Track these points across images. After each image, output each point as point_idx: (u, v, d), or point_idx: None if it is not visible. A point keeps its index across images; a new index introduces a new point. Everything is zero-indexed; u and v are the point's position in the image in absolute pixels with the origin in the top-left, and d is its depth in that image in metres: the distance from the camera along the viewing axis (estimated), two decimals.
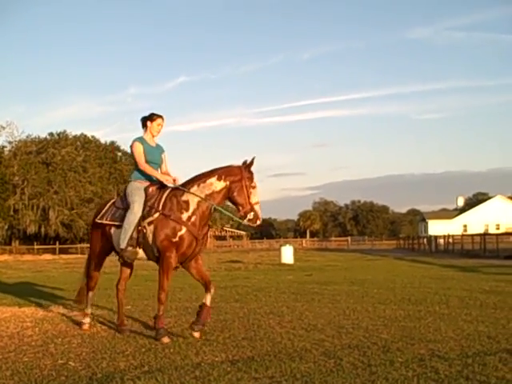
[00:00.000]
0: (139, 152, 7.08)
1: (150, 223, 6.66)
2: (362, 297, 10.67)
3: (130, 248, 6.72)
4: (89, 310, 7.59)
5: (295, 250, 30.43)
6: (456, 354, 5.42)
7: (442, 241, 48.48)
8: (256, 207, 6.72)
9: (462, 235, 46.70)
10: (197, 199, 6.72)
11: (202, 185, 6.79)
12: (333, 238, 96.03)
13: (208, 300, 6.64)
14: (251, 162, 6.87)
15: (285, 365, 5.11)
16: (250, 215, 6.70)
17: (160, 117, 7.24)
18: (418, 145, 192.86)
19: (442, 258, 32.94)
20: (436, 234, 56.55)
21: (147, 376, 4.83)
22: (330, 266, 24.41)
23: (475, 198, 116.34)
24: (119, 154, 78.37)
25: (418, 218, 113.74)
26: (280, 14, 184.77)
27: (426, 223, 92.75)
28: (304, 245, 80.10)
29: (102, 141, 76.27)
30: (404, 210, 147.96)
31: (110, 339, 6.63)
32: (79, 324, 7.52)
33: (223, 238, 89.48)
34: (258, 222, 6.79)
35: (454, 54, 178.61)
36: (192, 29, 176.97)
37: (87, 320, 7.48)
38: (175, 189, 6.91)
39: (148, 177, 7.10)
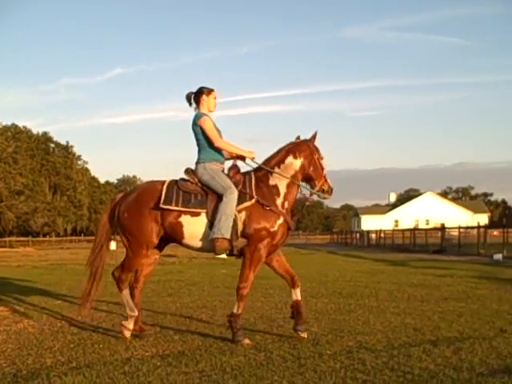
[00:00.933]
0: (212, 127, 6.28)
1: (240, 211, 6.05)
2: None
3: (241, 239, 6.07)
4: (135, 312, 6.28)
5: None
6: (383, 346, 5.56)
7: (374, 235, 49.70)
8: (327, 178, 6.46)
9: (393, 230, 48.04)
10: (285, 181, 6.26)
11: (282, 165, 6.31)
12: None
13: (299, 295, 6.31)
14: (315, 135, 6.54)
15: (215, 358, 5.11)
16: (325, 187, 6.41)
17: (213, 90, 6.51)
18: (352, 141, 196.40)
19: (373, 252, 33.72)
20: (368, 228, 57.85)
21: (74, 372, 4.74)
22: None
23: (406, 194, 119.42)
24: (52, 145, 76.56)
25: (351, 213, 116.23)
26: (217, 9, 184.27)
27: (359, 218, 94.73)
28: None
29: (34, 131, 74.38)
30: (338, 206, 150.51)
31: (37, 335, 6.46)
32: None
33: None
34: (332, 193, 6.51)
35: (386, 53, 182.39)
36: (129, 21, 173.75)
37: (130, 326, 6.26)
38: (257, 171, 6.39)
39: (218, 158, 6.42)
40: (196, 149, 6.44)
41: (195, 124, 6.33)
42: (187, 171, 6.31)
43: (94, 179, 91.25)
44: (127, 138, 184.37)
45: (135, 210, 6.21)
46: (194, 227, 6.09)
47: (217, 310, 8.25)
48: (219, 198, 6.05)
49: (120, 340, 6.09)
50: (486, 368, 4.64)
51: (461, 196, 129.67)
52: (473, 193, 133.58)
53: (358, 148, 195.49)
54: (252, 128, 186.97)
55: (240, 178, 6.23)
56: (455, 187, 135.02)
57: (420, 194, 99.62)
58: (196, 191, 6.16)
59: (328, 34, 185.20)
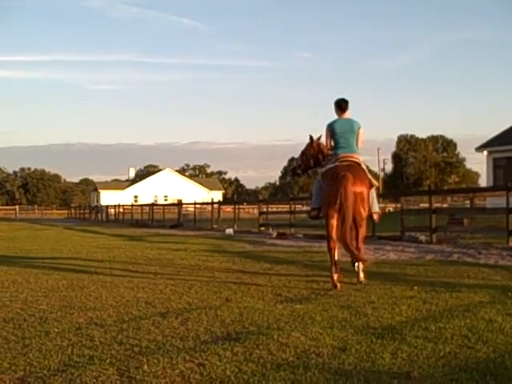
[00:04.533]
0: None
1: None
2: (24, 267, 10.25)
3: None
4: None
5: None
6: (113, 321, 5.54)
7: (112, 211, 49.37)
8: None
9: (132, 205, 48.15)
10: None
11: None
12: None
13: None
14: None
15: None
16: None
17: None
18: (92, 115, 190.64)
19: (111, 227, 33.55)
20: (108, 203, 57.38)
21: None
22: None
23: (146, 170, 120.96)
24: None
25: (90, 188, 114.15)
26: None
27: (99, 193, 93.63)
28: None
29: None
30: (77, 180, 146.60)
31: None
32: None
33: None
34: None
35: (128, 28, 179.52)
36: None
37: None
38: None
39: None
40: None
41: (356, 128, 7.94)
42: (353, 157, 7.84)
43: None
44: None
45: (367, 184, 7.82)
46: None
47: None
48: None
49: None
50: (210, 336, 4.89)
51: (197, 173, 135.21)
52: (208, 171, 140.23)
53: (97, 121, 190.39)
54: None
55: None
56: (192, 165, 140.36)
57: (159, 171, 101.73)
58: None
59: (69, 4, 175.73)
